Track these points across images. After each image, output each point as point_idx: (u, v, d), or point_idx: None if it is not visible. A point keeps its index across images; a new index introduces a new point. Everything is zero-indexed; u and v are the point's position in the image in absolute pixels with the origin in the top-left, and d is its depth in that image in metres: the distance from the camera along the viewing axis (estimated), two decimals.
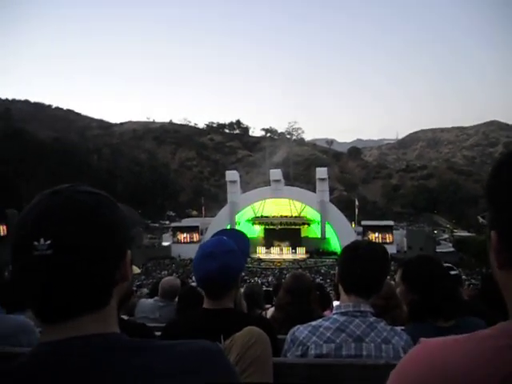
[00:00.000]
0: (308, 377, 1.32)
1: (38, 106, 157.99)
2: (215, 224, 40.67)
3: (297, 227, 42.53)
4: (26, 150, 51.54)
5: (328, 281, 23.17)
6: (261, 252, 40.54)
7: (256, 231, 43.02)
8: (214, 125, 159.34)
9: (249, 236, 1.90)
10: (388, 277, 1.71)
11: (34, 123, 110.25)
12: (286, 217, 42.51)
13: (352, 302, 1.48)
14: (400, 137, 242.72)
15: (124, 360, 0.58)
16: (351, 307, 1.47)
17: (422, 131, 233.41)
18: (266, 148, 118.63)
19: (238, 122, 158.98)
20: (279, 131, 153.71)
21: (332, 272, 28.81)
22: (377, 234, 37.64)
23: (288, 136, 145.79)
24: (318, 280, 22.32)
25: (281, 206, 42.45)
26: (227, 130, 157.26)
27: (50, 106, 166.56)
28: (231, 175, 43.59)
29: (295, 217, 42.31)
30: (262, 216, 42.98)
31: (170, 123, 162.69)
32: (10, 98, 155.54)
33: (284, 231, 41.75)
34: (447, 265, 2.49)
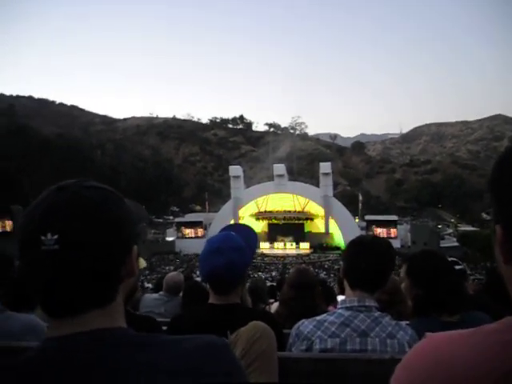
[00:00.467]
0: (313, 371, 1.32)
1: (42, 102, 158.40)
2: (219, 219, 40.78)
3: (300, 222, 42.56)
4: (30, 145, 51.71)
5: (332, 276, 23.20)
6: (264, 247, 40.63)
7: (259, 226, 43.08)
8: (218, 120, 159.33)
9: None
10: (393, 272, 1.70)
11: (38, 119, 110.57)
12: (289, 212, 42.55)
13: (357, 296, 1.48)
14: (404, 131, 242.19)
15: (130, 355, 0.58)
16: (356, 302, 1.47)
17: (426, 125, 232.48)
18: (270, 143, 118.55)
19: (242, 117, 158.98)
20: (282, 126, 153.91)
21: (336, 267, 28.84)
22: (381, 229, 37.55)
23: (291, 131, 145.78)
24: (321, 275, 22.38)
25: (284, 200, 42.48)
26: (230, 125, 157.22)
27: (53, 102, 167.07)
28: (235, 170, 43.63)
29: (299, 212, 42.34)
30: (265, 211, 43.04)
31: (174, 119, 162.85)
32: (14, 94, 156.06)
33: (287, 226, 41.79)
34: (452, 259, 2.49)
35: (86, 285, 0.61)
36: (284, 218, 42.26)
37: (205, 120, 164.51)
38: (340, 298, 2.68)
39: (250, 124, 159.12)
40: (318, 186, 41.51)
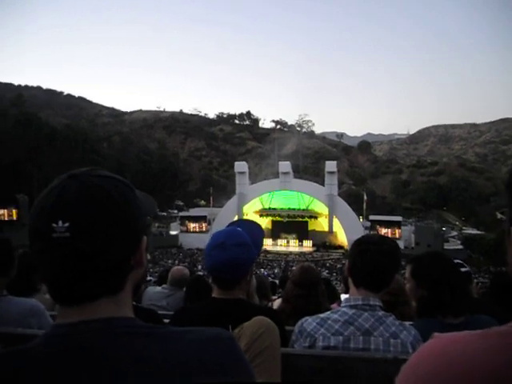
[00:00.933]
0: (315, 368, 1.32)
1: (50, 93, 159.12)
2: (223, 214, 40.82)
3: (304, 220, 42.54)
4: (38, 136, 51.93)
5: (334, 274, 23.18)
6: (267, 244, 40.64)
7: (263, 223, 43.05)
8: (224, 115, 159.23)
9: None
10: (398, 272, 1.69)
11: (46, 110, 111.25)
12: (293, 209, 42.52)
13: (361, 295, 1.48)
14: (411, 132, 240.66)
15: (137, 345, 0.59)
16: (360, 301, 1.47)
17: (434, 127, 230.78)
18: (276, 140, 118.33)
19: (249, 113, 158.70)
20: (289, 123, 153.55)
21: (338, 266, 28.81)
22: (386, 229, 37.42)
23: (298, 128, 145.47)
24: (324, 273, 22.36)
25: (289, 198, 42.44)
26: (237, 121, 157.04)
27: (61, 93, 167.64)
28: (240, 166, 43.61)
29: (303, 210, 42.29)
30: (269, 208, 43.03)
31: (181, 113, 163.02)
32: (22, 83, 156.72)
33: (291, 224, 41.78)
34: (458, 261, 2.47)
35: (96, 273, 0.61)
36: (288, 216, 42.23)
37: (212, 115, 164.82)
38: (344, 296, 2.67)
39: (256, 120, 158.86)
40: (323, 184, 41.38)
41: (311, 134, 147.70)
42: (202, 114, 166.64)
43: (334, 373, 1.31)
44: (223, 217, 40.22)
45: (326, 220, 40.50)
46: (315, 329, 1.47)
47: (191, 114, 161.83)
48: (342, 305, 1.52)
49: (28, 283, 2.36)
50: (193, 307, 1.69)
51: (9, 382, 0.56)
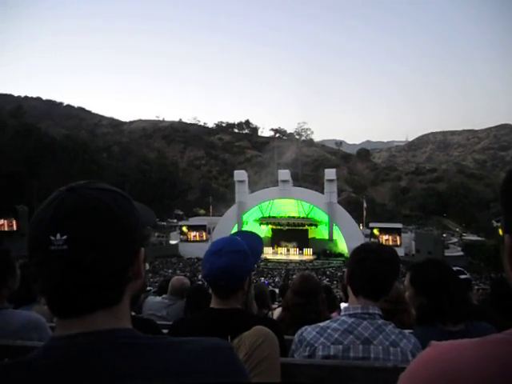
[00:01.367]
0: (315, 378, 1.32)
1: (50, 104, 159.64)
2: (223, 223, 40.75)
3: (304, 228, 42.44)
4: (37, 147, 52.00)
5: (335, 282, 23.08)
6: (268, 252, 40.48)
7: (263, 231, 43.00)
8: (224, 124, 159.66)
9: None
10: (397, 280, 1.69)
11: (46, 120, 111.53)
12: (293, 217, 42.45)
13: (360, 304, 1.48)
14: (410, 139, 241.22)
15: (136, 356, 0.59)
16: (359, 309, 1.47)
17: (432, 134, 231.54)
18: (275, 148, 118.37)
19: (248, 122, 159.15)
20: (288, 132, 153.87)
21: (339, 274, 28.69)
22: (387, 236, 37.36)
23: (297, 136, 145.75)
24: (324, 281, 22.27)
25: (288, 206, 42.41)
26: (236, 130, 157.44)
27: (61, 104, 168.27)
28: (239, 175, 43.64)
29: (303, 218, 42.23)
30: (269, 216, 42.96)
31: (180, 122, 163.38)
32: (22, 94, 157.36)
33: (291, 232, 41.67)
34: (458, 268, 2.47)
35: (94, 285, 0.62)
36: (288, 224, 42.14)
37: (211, 124, 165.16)
38: (343, 305, 2.67)
39: (255, 129, 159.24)
40: (322, 192, 41.38)
41: (310, 142, 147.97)
42: (201, 123, 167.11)
43: (333, 382, 1.30)
44: (223, 226, 40.14)
45: (326, 228, 40.42)
46: (315, 338, 1.46)
47: (190, 124, 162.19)
48: (342, 313, 1.52)
49: (28, 293, 2.36)
50: (191, 318, 1.69)
51: None
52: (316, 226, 42.17)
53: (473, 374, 0.47)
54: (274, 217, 42.88)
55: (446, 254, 35.43)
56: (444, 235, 49.24)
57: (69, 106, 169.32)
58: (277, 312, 3.20)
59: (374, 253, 1.53)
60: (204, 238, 41.77)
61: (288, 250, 41.03)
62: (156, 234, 49.18)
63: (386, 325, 1.45)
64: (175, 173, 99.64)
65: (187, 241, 42.25)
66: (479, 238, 48.35)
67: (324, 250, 40.33)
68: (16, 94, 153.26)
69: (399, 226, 41.06)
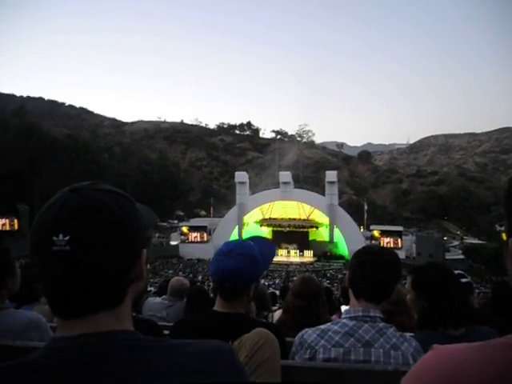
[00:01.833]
0: (316, 381, 1.32)
1: (52, 104, 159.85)
2: (223, 224, 40.79)
3: (305, 230, 42.45)
4: (39, 146, 52.12)
5: (335, 285, 23.05)
6: None
7: (264, 233, 43.01)
8: (225, 126, 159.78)
9: None
10: (398, 283, 1.69)
11: (48, 120, 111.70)
12: (294, 219, 42.46)
13: (362, 306, 1.48)
14: (411, 142, 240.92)
15: (137, 358, 0.59)
16: (360, 312, 1.46)
17: (434, 136, 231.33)
18: (276, 150, 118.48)
19: (249, 124, 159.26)
20: (290, 133, 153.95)
21: (339, 276, 28.66)
22: (388, 239, 37.36)
23: (298, 138, 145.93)
24: (324, 284, 22.25)
25: (289, 208, 42.42)
26: (238, 131, 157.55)
27: (63, 104, 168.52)
28: (240, 176, 43.69)
29: (303, 220, 42.23)
30: (270, 218, 42.98)
31: (181, 123, 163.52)
32: (24, 95, 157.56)
33: (292, 234, 41.68)
34: (459, 272, 2.46)
35: (96, 286, 0.62)
36: (289, 226, 42.15)
37: (212, 125, 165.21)
38: (344, 307, 2.66)
39: (257, 131, 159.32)
40: (323, 194, 41.39)
41: (311, 144, 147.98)
42: (203, 124, 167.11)
43: None
44: (223, 227, 40.18)
45: (327, 230, 40.42)
46: (315, 340, 1.46)
47: (192, 125, 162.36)
48: (343, 316, 1.51)
49: (30, 293, 2.36)
50: (192, 319, 1.69)
51: None
52: (317, 228, 42.18)
53: (474, 378, 0.47)
54: (274, 218, 42.89)
55: (447, 257, 35.44)
56: (445, 238, 49.25)
57: (71, 107, 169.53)
58: (277, 314, 3.19)
59: (376, 255, 1.53)
60: (205, 239, 41.80)
61: (288, 252, 41.01)
62: (157, 235, 49.22)
63: (387, 328, 1.45)
64: (176, 174, 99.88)
65: (188, 242, 42.27)
66: (480, 242, 48.36)
67: (324, 252, 40.30)
68: (18, 94, 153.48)
69: (400, 228, 41.10)
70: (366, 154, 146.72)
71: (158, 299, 3.60)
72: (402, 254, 33.49)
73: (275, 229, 43.07)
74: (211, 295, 3.31)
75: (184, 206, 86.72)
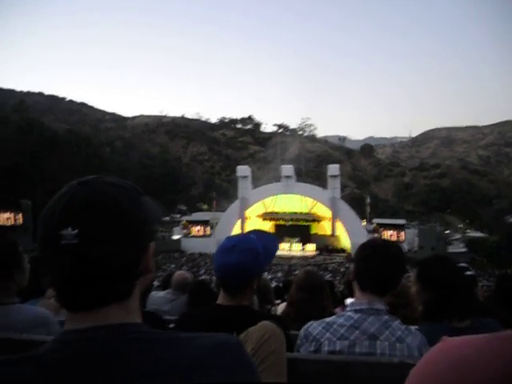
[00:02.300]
0: (321, 373, 1.32)
1: (52, 99, 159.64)
2: (225, 219, 40.83)
3: (307, 224, 42.45)
4: (40, 141, 52.10)
5: (337, 278, 23.11)
6: None
7: (266, 227, 42.97)
8: (226, 120, 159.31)
9: None
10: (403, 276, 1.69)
11: (48, 115, 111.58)
12: (296, 213, 42.42)
13: (367, 299, 1.48)
14: (413, 135, 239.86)
15: (146, 351, 0.59)
16: (365, 305, 1.47)
17: (436, 129, 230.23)
18: (278, 144, 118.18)
19: (250, 118, 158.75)
20: (291, 127, 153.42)
21: (341, 269, 28.73)
22: (390, 232, 37.31)
23: (300, 132, 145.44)
24: (327, 277, 22.30)
25: (292, 202, 42.37)
26: (239, 125, 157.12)
27: (63, 99, 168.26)
28: (242, 170, 43.63)
29: (306, 213, 42.20)
30: (272, 212, 42.98)
31: (183, 118, 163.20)
32: (24, 90, 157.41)
33: (294, 227, 41.67)
34: (462, 265, 2.46)
35: (104, 279, 0.61)
36: (291, 220, 42.15)
37: (214, 120, 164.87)
38: (348, 300, 2.67)
39: (258, 124, 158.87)
40: (325, 187, 41.36)
41: (313, 138, 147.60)
42: (204, 118, 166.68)
43: (339, 377, 1.30)
44: (226, 221, 40.21)
45: (329, 223, 40.42)
46: (321, 333, 1.46)
47: (193, 119, 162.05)
48: (348, 309, 1.52)
49: (37, 286, 2.36)
50: (197, 313, 1.69)
51: None
52: (319, 221, 42.16)
53: (481, 370, 0.47)
54: (276, 212, 42.86)
55: (449, 251, 35.43)
56: (447, 231, 49.23)
57: (71, 102, 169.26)
58: (281, 307, 3.20)
59: (381, 248, 1.53)
60: (207, 233, 41.84)
61: (291, 246, 41.06)
62: (159, 229, 49.35)
63: (393, 320, 1.45)
64: (178, 168, 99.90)
65: (190, 236, 42.34)
66: (482, 235, 48.30)
67: (326, 246, 40.34)
68: (18, 89, 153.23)
69: (402, 221, 41.01)
70: (368, 148, 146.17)
71: (162, 293, 3.62)
72: (404, 248, 33.47)
73: (277, 223, 43.06)
74: (215, 289, 3.32)
75: (186, 200, 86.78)
